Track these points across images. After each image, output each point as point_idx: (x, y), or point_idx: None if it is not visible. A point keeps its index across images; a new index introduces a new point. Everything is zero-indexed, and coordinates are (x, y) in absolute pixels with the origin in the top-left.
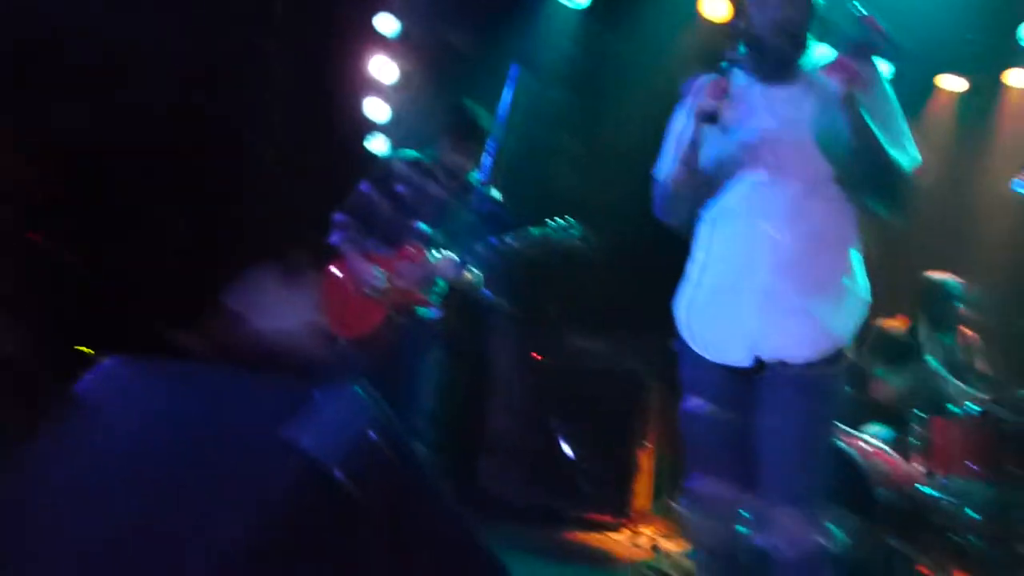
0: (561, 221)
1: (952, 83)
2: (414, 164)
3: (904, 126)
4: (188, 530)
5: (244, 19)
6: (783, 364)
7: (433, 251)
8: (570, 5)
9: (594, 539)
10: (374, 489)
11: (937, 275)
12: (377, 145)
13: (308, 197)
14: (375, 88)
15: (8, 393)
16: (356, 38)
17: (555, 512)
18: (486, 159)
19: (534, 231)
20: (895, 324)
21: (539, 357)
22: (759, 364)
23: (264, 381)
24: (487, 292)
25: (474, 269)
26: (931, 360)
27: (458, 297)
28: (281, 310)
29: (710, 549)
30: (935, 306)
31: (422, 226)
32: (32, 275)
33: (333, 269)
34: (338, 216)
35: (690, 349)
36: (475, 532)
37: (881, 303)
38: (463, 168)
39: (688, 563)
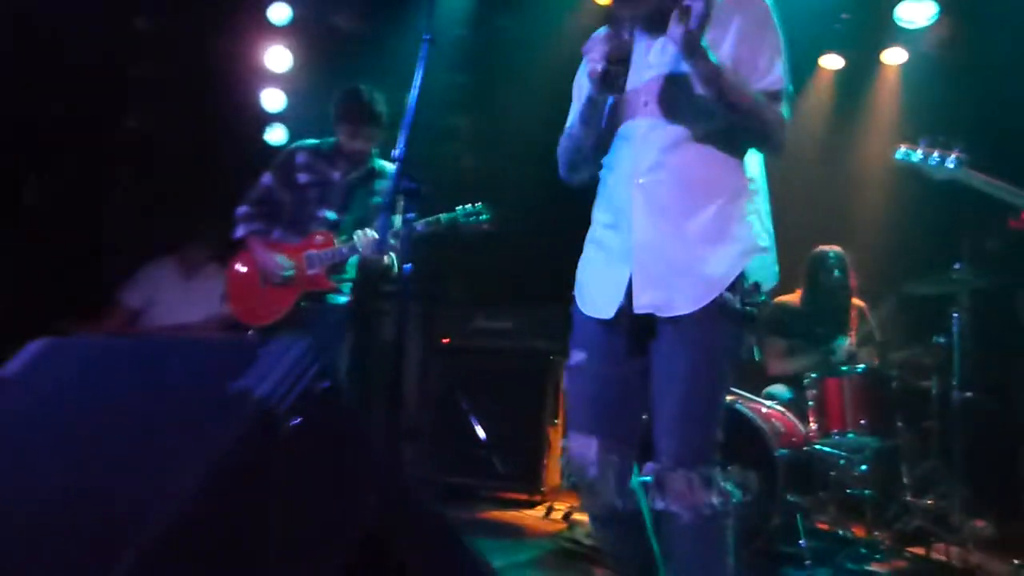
0: (470, 207)
1: (832, 62)
2: (314, 152)
3: (775, 58)
4: (140, 486)
5: (136, 10)
6: (657, 317)
7: (358, 232)
8: None
9: (510, 516)
10: (324, 433)
11: (823, 247)
12: (275, 135)
13: (207, 189)
14: (270, 78)
15: None
16: (248, 28)
17: (471, 491)
18: (401, 139)
19: (443, 217)
20: (790, 298)
21: (447, 340)
22: (624, 315)
23: (208, 343)
24: (407, 269)
25: (391, 252)
26: (821, 327)
27: (367, 282)
28: (182, 304)
29: (590, 509)
30: (822, 275)
31: (327, 213)
32: None
33: (239, 263)
34: (241, 209)
35: (578, 308)
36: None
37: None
38: (364, 153)
39: None
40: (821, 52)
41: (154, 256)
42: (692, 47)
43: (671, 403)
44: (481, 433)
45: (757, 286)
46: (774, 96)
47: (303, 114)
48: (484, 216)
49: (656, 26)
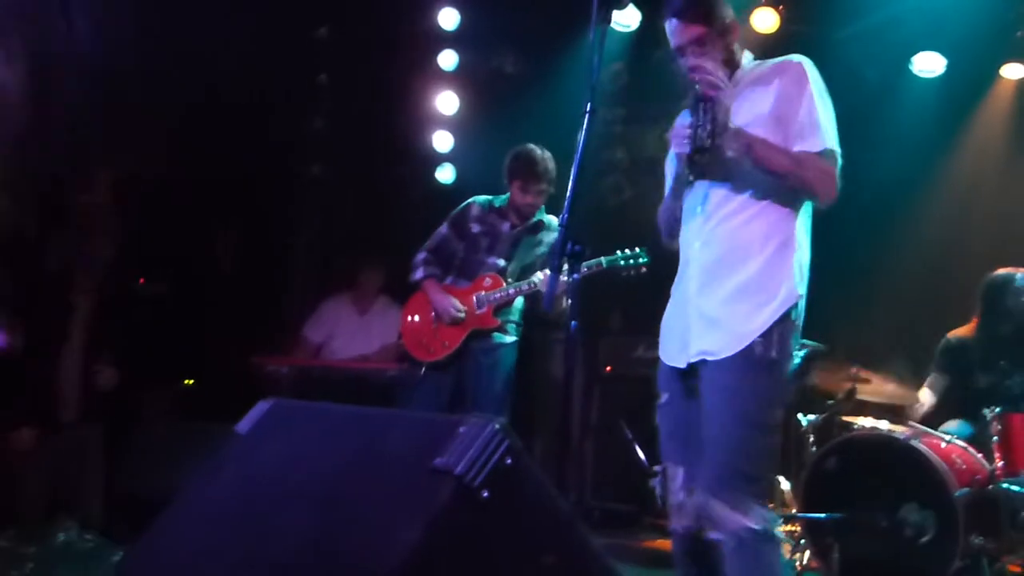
0: (629, 251)
1: (1014, 71)
2: (487, 206)
3: (815, 116)
4: (354, 548)
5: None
6: (703, 363)
7: (537, 274)
8: (619, 29)
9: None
10: (512, 506)
11: (1005, 270)
12: (445, 175)
13: (382, 227)
14: (439, 121)
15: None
16: (419, 75)
17: (632, 518)
18: (565, 205)
19: (604, 261)
20: (963, 331)
21: (609, 369)
22: (690, 367)
23: (414, 419)
24: (573, 326)
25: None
26: (1003, 358)
27: (533, 321)
28: (358, 337)
29: (675, 528)
30: (1008, 300)
31: (496, 260)
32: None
33: (414, 304)
34: (419, 256)
35: (661, 353)
36: (594, 544)
37: (947, 312)
38: (533, 207)
39: None
40: (1002, 62)
41: (331, 293)
42: (718, 133)
43: (705, 439)
44: (643, 460)
45: (792, 331)
46: (818, 153)
47: (469, 154)
48: (643, 259)
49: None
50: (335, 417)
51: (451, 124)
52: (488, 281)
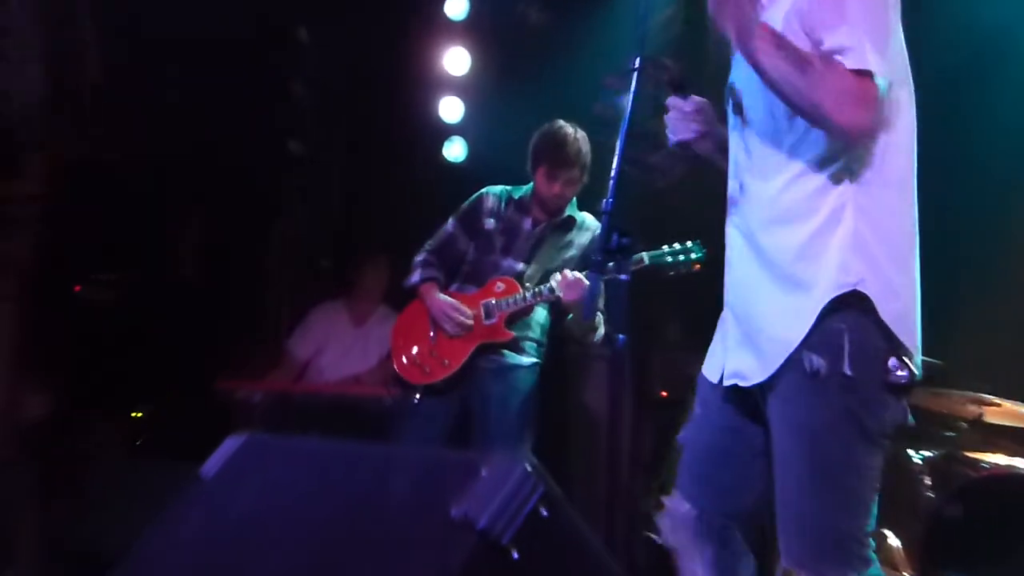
0: (679, 245)
1: None
2: (505, 198)
3: (844, 11)
4: None
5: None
6: (737, 388)
7: (555, 275)
8: None
9: None
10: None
11: None
12: (454, 151)
13: (380, 219)
14: (447, 84)
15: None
16: (421, 27)
17: None
18: (610, 187)
19: (647, 257)
20: None
21: (665, 394)
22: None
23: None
24: (621, 341)
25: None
26: None
27: (563, 336)
28: (352, 353)
29: (670, 524)
30: None
31: (512, 263)
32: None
33: (407, 313)
34: (419, 256)
35: None
36: None
37: None
38: (562, 200)
39: None
40: None
41: (321, 299)
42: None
43: (778, 494)
44: None
45: (871, 332)
46: (843, 57)
47: (484, 125)
48: (696, 254)
49: None
50: (322, 455)
51: (461, 88)
52: (500, 286)
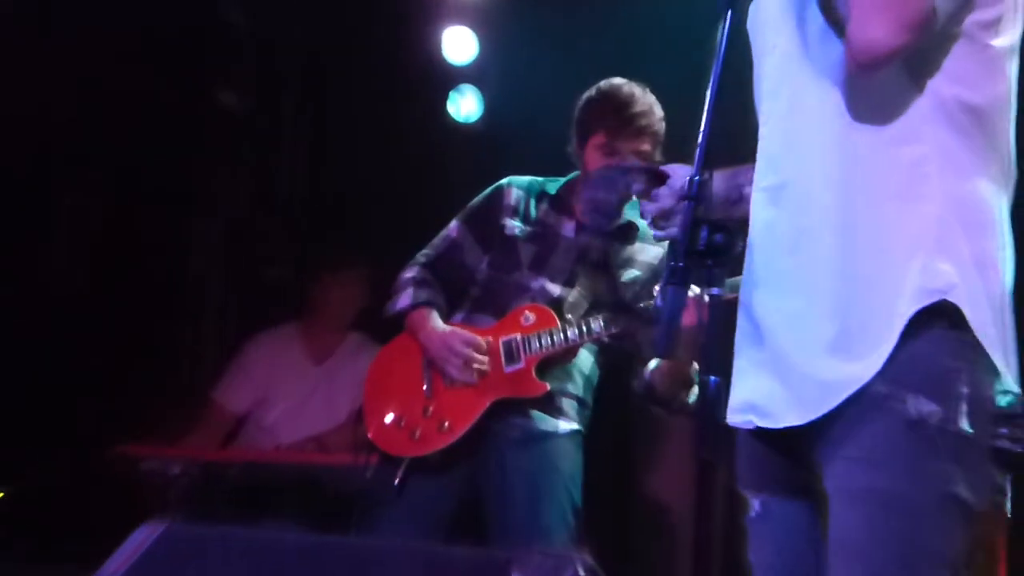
0: None
1: None
2: (536, 192)
3: None
4: None
5: None
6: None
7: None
8: None
9: None
10: None
11: None
12: (466, 105)
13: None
14: (453, 9)
15: None
16: None
17: None
18: (696, 164)
19: None
20: None
21: None
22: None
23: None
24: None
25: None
26: None
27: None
28: (311, 400)
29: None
30: None
31: (546, 284)
32: None
33: (389, 354)
34: (408, 272)
35: None
36: None
37: None
38: (621, 194)
39: None
40: None
41: (265, 325)
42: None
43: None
44: None
45: (973, 358)
46: None
47: (506, 70)
48: None
49: None
50: (270, 551)
51: (474, 15)
52: (530, 316)
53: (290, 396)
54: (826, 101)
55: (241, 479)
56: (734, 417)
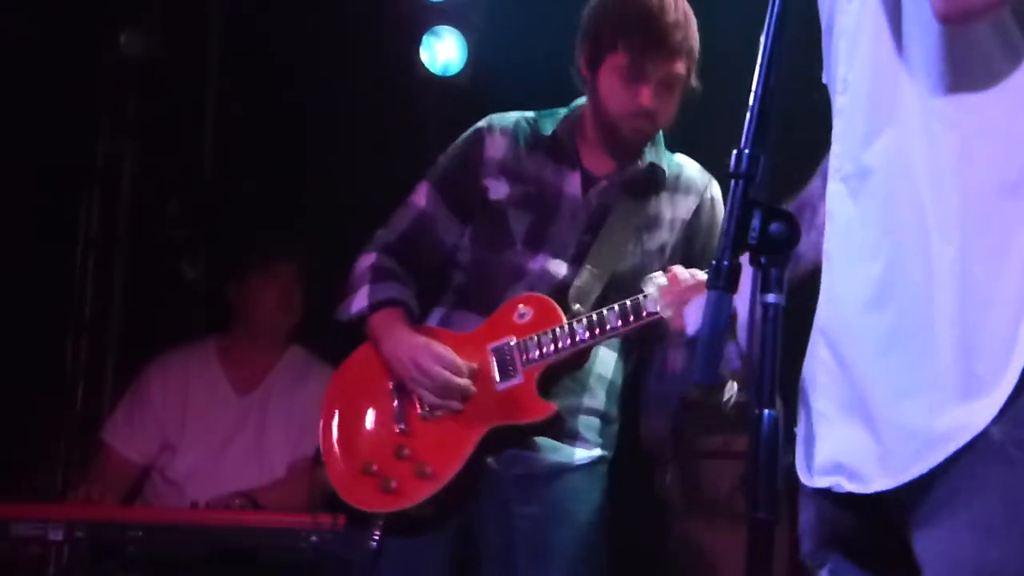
0: None
1: None
2: (528, 136)
3: None
4: None
5: None
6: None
7: (653, 282)
8: None
9: None
10: None
11: None
12: (444, 51)
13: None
14: None
15: None
16: None
17: None
18: (748, 129)
19: None
20: None
21: None
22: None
23: None
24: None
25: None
26: None
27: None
28: (234, 443)
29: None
30: None
31: (548, 264)
32: None
33: (349, 372)
34: (365, 259)
35: None
36: None
37: None
38: (641, 134)
39: None
40: None
41: (174, 341)
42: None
43: None
44: None
45: None
46: None
47: (495, 5)
48: None
49: None
50: None
51: None
52: (524, 311)
53: (207, 438)
54: (920, 64)
55: (145, 546)
56: (820, 480)
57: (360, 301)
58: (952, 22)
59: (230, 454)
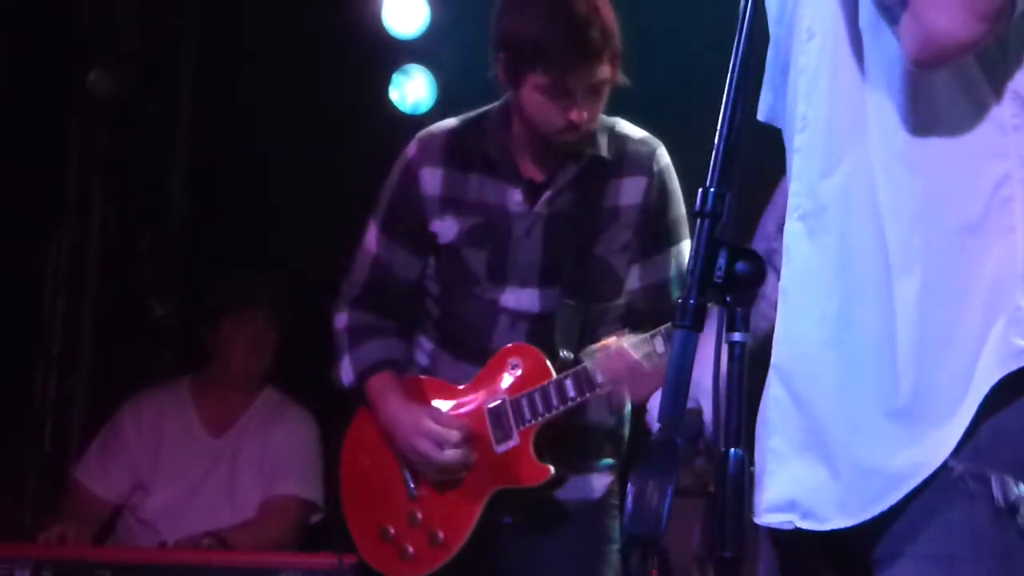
0: None
1: None
2: (457, 151)
3: None
4: None
5: None
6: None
7: (609, 343)
8: None
9: None
10: None
11: None
12: (413, 89)
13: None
14: None
15: None
16: None
17: None
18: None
19: None
20: None
21: None
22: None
23: None
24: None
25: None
26: None
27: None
28: (206, 484)
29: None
30: None
31: (522, 296)
32: None
33: (361, 437)
34: (340, 318)
35: None
36: None
37: None
38: (581, 132)
39: None
40: None
41: (146, 375)
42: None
43: None
44: None
45: None
46: None
47: (465, 44)
48: None
49: None
50: None
51: None
52: (517, 365)
53: (179, 479)
54: (882, 104)
55: None
56: (770, 517)
57: (347, 374)
58: (925, 66)
59: (202, 495)
